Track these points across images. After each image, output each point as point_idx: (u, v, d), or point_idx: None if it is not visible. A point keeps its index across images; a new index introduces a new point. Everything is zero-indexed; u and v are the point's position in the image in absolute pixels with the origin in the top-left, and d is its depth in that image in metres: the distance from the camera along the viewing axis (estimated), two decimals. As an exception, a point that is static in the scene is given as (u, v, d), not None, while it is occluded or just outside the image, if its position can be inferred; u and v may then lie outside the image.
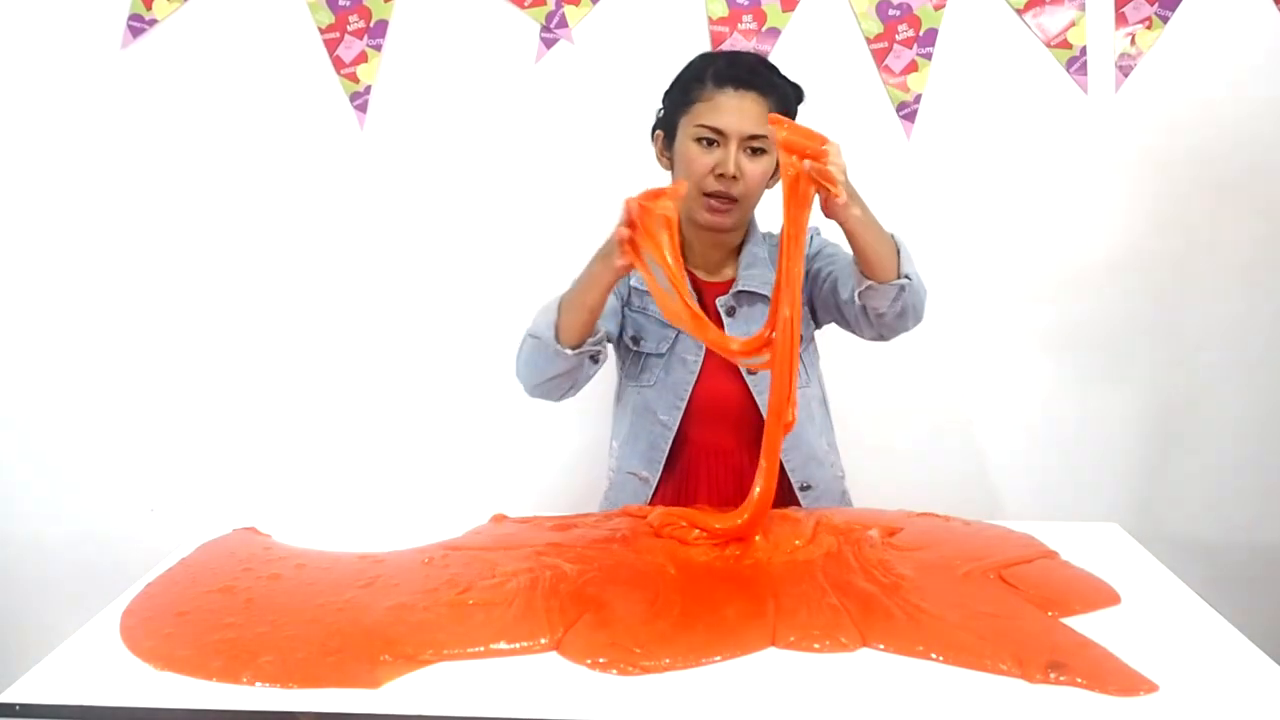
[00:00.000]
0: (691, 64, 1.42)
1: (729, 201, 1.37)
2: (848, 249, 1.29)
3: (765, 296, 1.43)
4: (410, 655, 0.98)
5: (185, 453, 2.14)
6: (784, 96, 1.38)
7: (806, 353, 1.49)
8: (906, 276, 1.28)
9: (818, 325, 1.51)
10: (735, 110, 1.34)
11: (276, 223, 2.05)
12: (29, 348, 2.10)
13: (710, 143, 1.35)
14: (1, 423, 2.14)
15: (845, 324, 1.44)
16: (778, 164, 1.39)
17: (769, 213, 1.46)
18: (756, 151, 1.36)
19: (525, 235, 2.04)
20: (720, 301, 1.44)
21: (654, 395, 1.45)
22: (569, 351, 1.28)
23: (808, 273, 1.47)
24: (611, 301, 1.42)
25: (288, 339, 2.10)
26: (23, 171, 2.04)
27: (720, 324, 1.43)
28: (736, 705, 0.91)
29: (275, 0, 1.97)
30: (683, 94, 1.39)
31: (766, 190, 1.43)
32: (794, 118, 1.40)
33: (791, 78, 1.42)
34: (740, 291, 1.44)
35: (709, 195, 1.37)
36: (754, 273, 1.45)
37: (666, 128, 1.43)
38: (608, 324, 1.40)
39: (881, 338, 1.40)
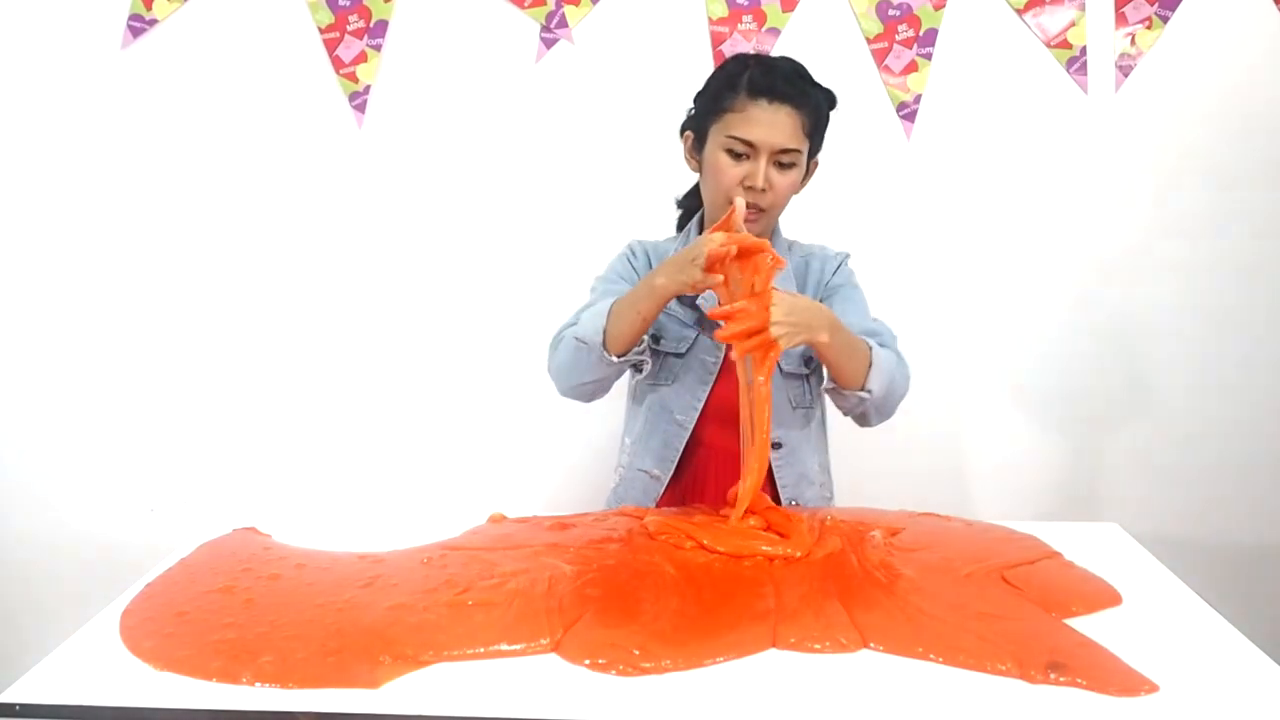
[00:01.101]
0: (726, 68, 1.40)
1: (756, 211, 1.36)
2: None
3: None
4: (410, 656, 0.97)
5: (185, 453, 2.14)
6: (816, 107, 1.37)
7: (815, 374, 1.49)
8: (869, 390, 1.31)
9: None
10: (767, 124, 1.32)
11: (275, 222, 2.06)
12: (29, 348, 2.10)
13: (740, 154, 1.34)
14: (2, 423, 2.14)
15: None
16: (807, 171, 1.41)
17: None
18: (786, 165, 1.36)
19: (525, 235, 2.04)
20: None
21: (671, 394, 1.46)
22: (614, 359, 1.29)
23: (822, 301, 1.47)
24: None
25: (287, 339, 2.10)
26: (23, 171, 2.04)
27: None
28: (736, 706, 0.91)
29: (275, 0, 1.97)
30: (715, 100, 1.37)
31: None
32: (826, 125, 1.40)
33: (825, 84, 1.40)
34: None
35: None
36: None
37: (697, 130, 1.42)
38: None
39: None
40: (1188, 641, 1.02)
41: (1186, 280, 2.01)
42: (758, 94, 1.33)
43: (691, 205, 1.54)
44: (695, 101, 1.43)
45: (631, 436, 1.53)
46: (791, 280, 1.46)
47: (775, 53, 1.90)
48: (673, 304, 1.43)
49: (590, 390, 1.38)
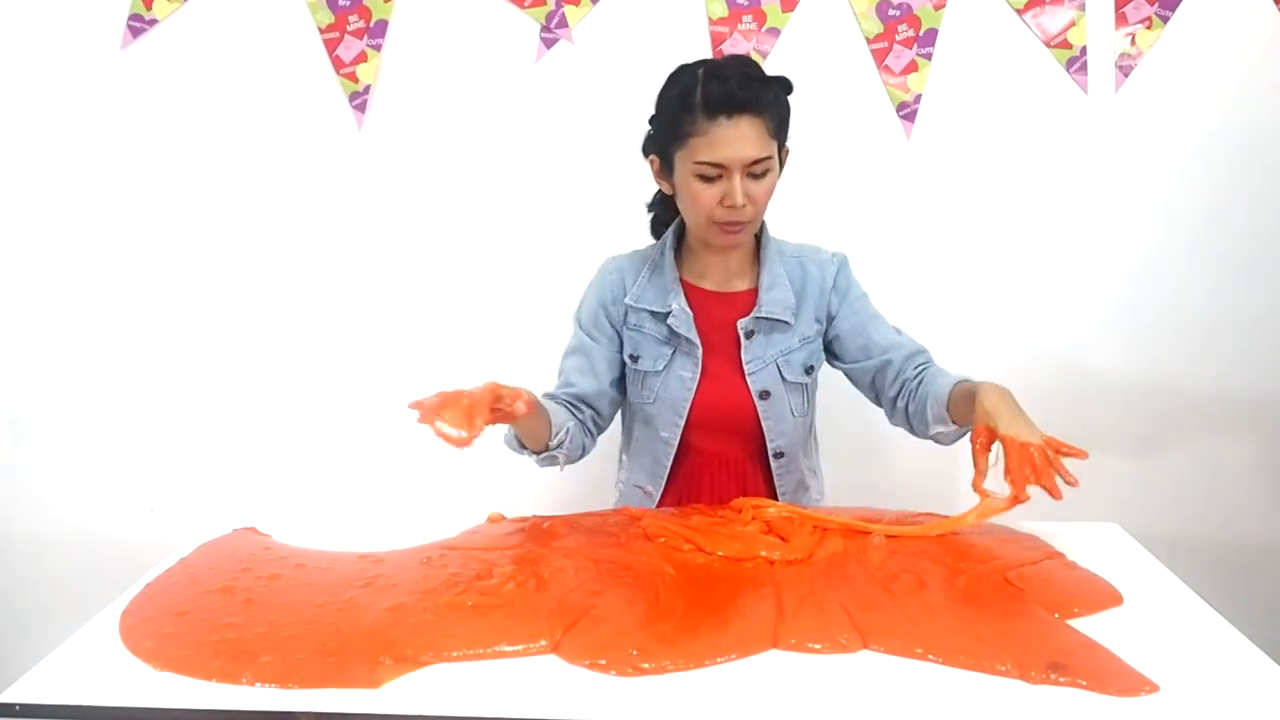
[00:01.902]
0: (676, 83, 1.33)
1: (741, 223, 1.33)
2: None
3: (785, 323, 1.42)
4: (409, 656, 0.98)
5: (185, 453, 2.14)
6: (776, 103, 1.31)
7: (813, 382, 1.49)
8: None
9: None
10: (733, 140, 1.27)
11: (275, 223, 2.05)
12: (29, 348, 2.10)
13: (712, 177, 1.29)
14: (2, 423, 2.14)
15: (860, 386, 1.49)
16: (781, 164, 1.38)
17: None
18: (760, 174, 1.30)
19: (524, 235, 2.04)
20: (741, 324, 1.42)
21: (655, 411, 1.46)
22: (537, 457, 1.34)
23: (830, 311, 1.46)
24: (607, 352, 1.46)
25: (287, 339, 2.10)
26: (23, 171, 2.04)
27: (738, 344, 1.42)
28: (737, 707, 0.91)
29: (275, 0, 1.97)
30: (673, 125, 1.31)
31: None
32: (789, 115, 1.35)
33: (774, 72, 1.34)
34: (760, 318, 1.42)
35: (719, 223, 1.33)
36: (774, 295, 1.42)
37: (660, 154, 1.37)
38: (613, 371, 1.46)
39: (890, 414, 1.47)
40: (1188, 641, 1.02)
41: (1186, 279, 2.01)
42: (715, 111, 1.26)
43: (662, 215, 1.51)
44: (651, 124, 1.39)
45: (627, 454, 1.56)
46: (787, 284, 1.43)
47: (775, 53, 1.92)
48: (647, 322, 1.44)
49: (563, 460, 1.39)
